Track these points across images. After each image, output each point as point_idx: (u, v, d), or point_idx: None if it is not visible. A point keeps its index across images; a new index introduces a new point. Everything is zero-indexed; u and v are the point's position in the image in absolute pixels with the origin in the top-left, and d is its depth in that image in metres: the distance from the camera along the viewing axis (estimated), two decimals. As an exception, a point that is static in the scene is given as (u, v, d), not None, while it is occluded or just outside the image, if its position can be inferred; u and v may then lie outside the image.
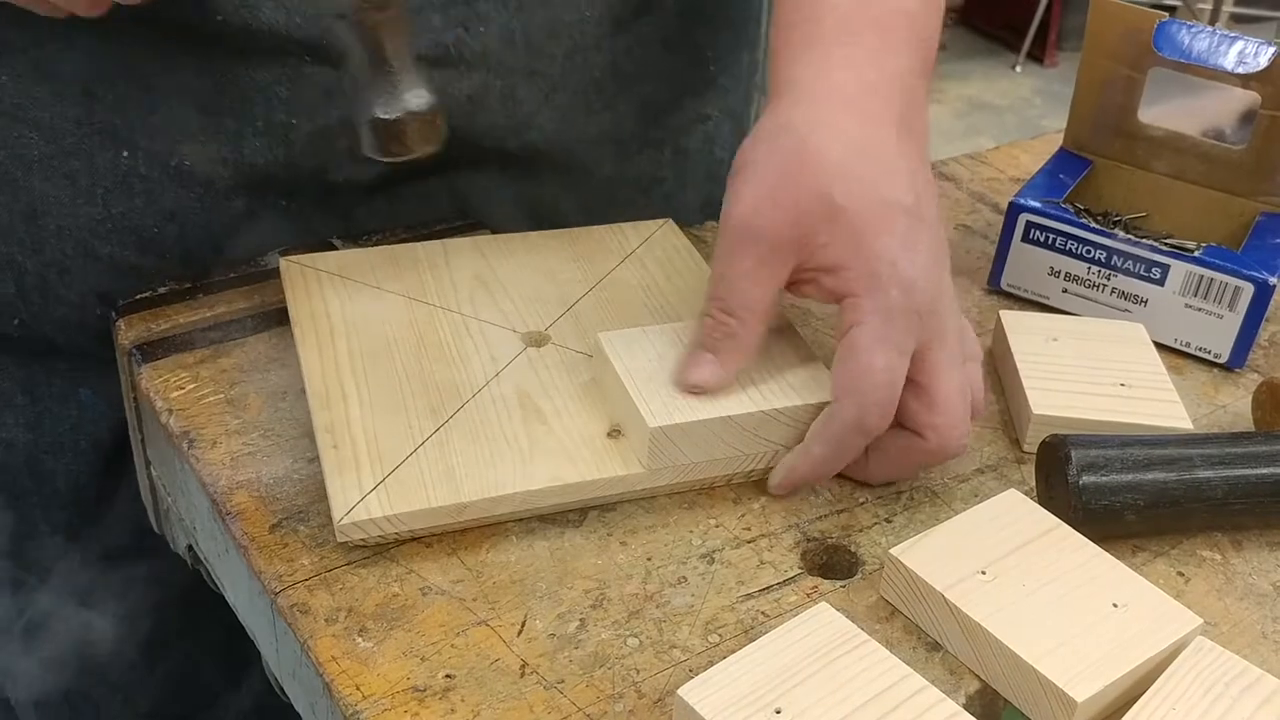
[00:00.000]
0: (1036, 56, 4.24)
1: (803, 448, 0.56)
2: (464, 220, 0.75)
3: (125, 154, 0.66)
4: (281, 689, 0.56)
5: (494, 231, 0.73)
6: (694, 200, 0.84)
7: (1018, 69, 4.22)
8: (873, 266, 0.53)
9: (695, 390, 0.55)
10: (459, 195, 0.74)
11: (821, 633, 0.47)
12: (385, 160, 0.54)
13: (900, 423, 0.55)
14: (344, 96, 0.63)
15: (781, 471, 0.56)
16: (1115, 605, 0.49)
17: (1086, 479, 0.54)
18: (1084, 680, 0.46)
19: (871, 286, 0.53)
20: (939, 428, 0.54)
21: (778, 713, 0.43)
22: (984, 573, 0.50)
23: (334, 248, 0.70)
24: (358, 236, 0.72)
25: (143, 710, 0.79)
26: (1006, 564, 0.51)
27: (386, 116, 0.51)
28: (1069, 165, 0.78)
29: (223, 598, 0.70)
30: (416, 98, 0.52)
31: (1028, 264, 0.73)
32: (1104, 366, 0.64)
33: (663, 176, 0.82)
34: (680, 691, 0.44)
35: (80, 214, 0.67)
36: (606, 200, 0.78)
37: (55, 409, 0.72)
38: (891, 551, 0.51)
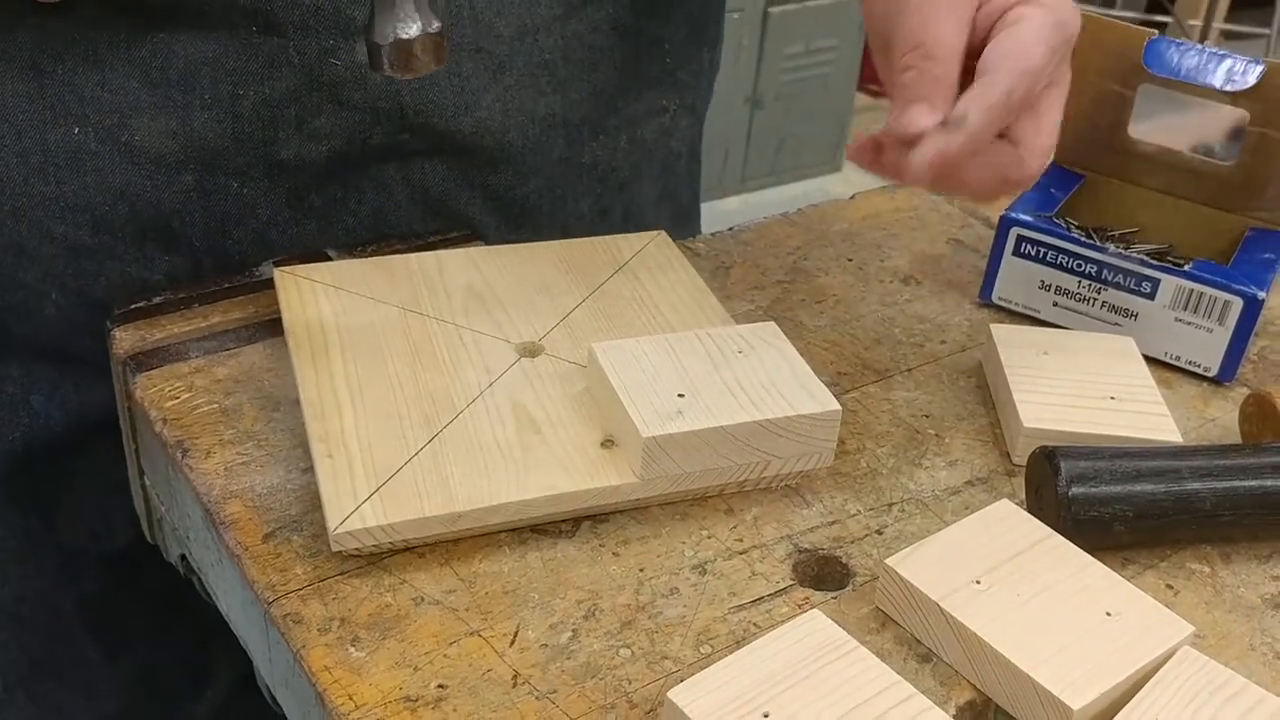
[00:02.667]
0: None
1: (954, 124, 0.56)
2: (457, 231, 0.75)
3: (76, 130, 0.66)
4: (274, 698, 0.56)
5: (486, 241, 0.73)
6: (651, 192, 0.84)
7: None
8: None
9: (918, 134, 0.57)
10: (414, 183, 0.74)
11: (812, 639, 0.47)
12: (403, 76, 0.57)
13: (1006, 135, 0.59)
14: (336, 35, 0.65)
15: (930, 151, 0.56)
16: (1108, 614, 0.49)
17: (1076, 490, 0.54)
18: (1079, 688, 0.46)
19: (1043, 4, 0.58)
20: (1038, 151, 0.59)
21: (765, 716, 0.44)
22: (978, 582, 0.50)
23: (328, 258, 0.70)
24: (352, 247, 0.72)
25: (108, 711, 0.79)
26: (1000, 574, 0.51)
27: (406, 36, 0.55)
28: (1060, 180, 0.78)
29: (186, 603, 0.70)
30: (431, 19, 0.55)
31: (1019, 278, 0.74)
32: (1094, 380, 0.64)
33: (618, 165, 0.82)
34: (670, 694, 0.44)
35: (34, 193, 0.66)
36: (562, 188, 0.78)
37: (3, 414, 0.72)
38: (887, 562, 0.51)
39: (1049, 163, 0.59)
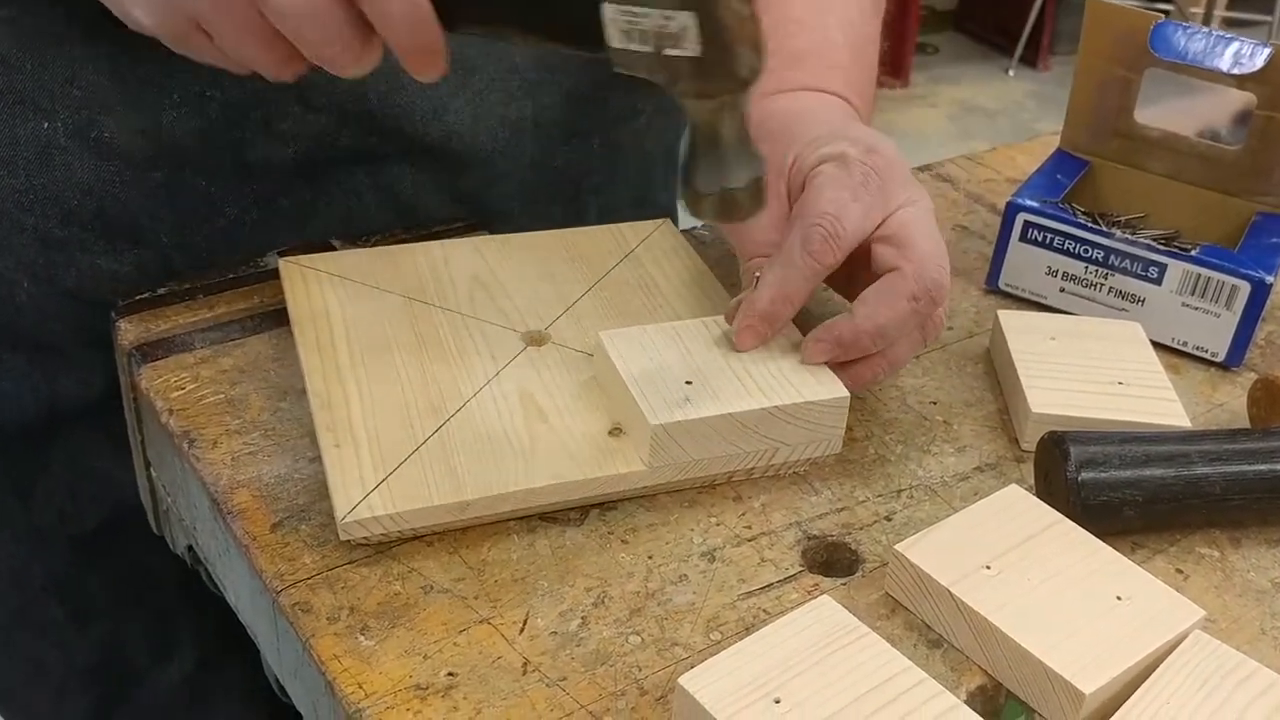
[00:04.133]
0: (1029, 61, 4.25)
1: (752, 297, 0.58)
2: (462, 221, 0.75)
3: (45, 125, 0.66)
4: (282, 688, 0.56)
5: (492, 231, 0.73)
6: (626, 196, 0.84)
7: (1011, 73, 4.23)
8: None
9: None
10: (383, 187, 0.74)
11: (822, 625, 0.47)
12: (724, 223, 0.57)
13: (878, 270, 0.58)
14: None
15: (816, 335, 0.58)
16: (1119, 598, 0.49)
17: (1085, 475, 0.54)
18: (1091, 672, 0.46)
19: (839, 150, 0.59)
20: (914, 261, 0.58)
21: (777, 702, 0.44)
22: (989, 567, 0.50)
23: (333, 248, 0.70)
24: (356, 238, 0.72)
25: (80, 665, 0.79)
26: (1010, 559, 0.51)
27: (733, 186, 0.52)
28: (1066, 166, 0.78)
29: (148, 585, 0.71)
30: (755, 167, 0.53)
31: (1025, 264, 0.74)
32: (1102, 365, 0.64)
33: (592, 169, 0.82)
34: (681, 680, 0.44)
35: (4, 185, 0.67)
36: (534, 192, 0.78)
37: None
38: (897, 548, 0.51)
39: (945, 267, 0.59)
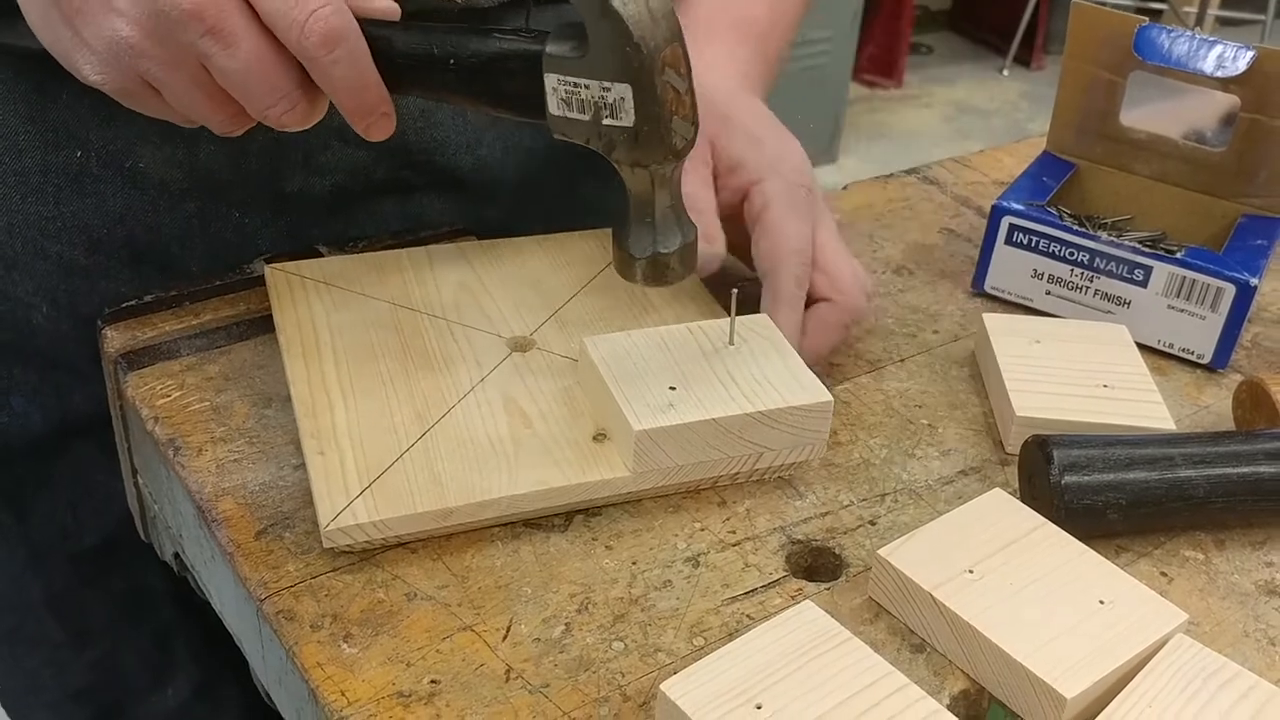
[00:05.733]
0: (1023, 60, 4.26)
1: (777, 324, 0.62)
2: (450, 227, 0.75)
3: (79, 154, 0.66)
4: (268, 695, 0.56)
5: (480, 238, 0.73)
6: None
7: (1005, 73, 4.23)
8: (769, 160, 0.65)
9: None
10: (412, 217, 0.75)
11: (804, 630, 0.47)
12: (654, 287, 0.59)
13: (812, 299, 0.64)
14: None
15: None
16: (1101, 602, 0.49)
17: (1069, 478, 0.54)
18: (1073, 677, 0.46)
19: (767, 171, 0.65)
20: (846, 290, 0.65)
21: (758, 708, 0.44)
22: (971, 571, 0.50)
23: (319, 254, 0.70)
24: (343, 244, 0.72)
25: (76, 687, 0.79)
26: (993, 563, 0.51)
27: (665, 250, 0.55)
28: (1052, 168, 0.78)
29: (145, 607, 0.70)
30: (685, 233, 0.56)
31: (1011, 267, 0.74)
32: (1087, 368, 0.64)
33: (612, 203, 0.82)
34: (663, 686, 0.44)
35: (31, 211, 0.67)
36: (557, 220, 0.79)
37: None
38: (879, 552, 0.51)
39: (865, 282, 0.66)
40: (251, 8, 0.50)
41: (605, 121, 0.51)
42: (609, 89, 0.50)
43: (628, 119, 0.51)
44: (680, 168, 0.54)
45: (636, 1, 0.49)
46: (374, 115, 0.54)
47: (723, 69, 0.70)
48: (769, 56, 0.75)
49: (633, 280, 0.55)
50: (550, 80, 0.52)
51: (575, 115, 0.52)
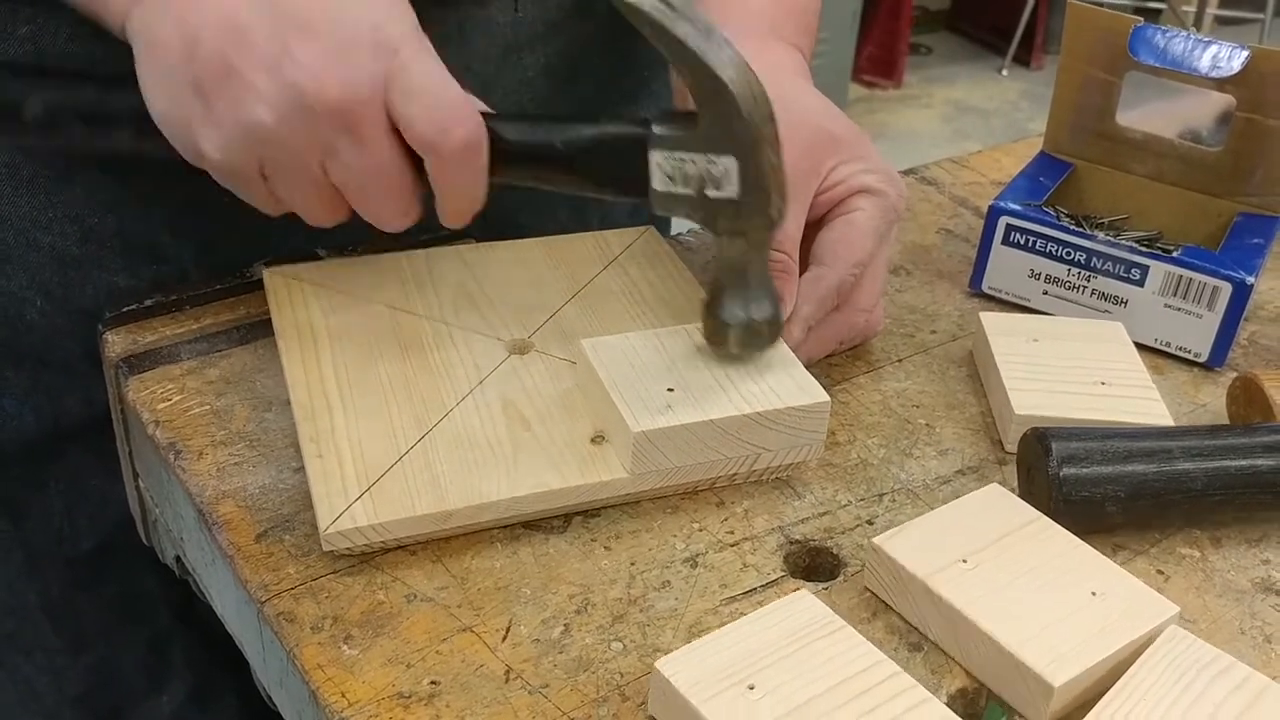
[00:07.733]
0: (1023, 60, 4.26)
1: (792, 318, 0.62)
2: (447, 230, 0.75)
3: (69, 142, 0.66)
4: (269, 697, 0.56)
5: (477, 240, 0.73)
6: (624, 205, 0.86)
7: (1004, 72, 4.24)
8: (881, 169, 0.65)
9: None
10: None
11: (799, 617, 0.48)
12: (742, 354, 0.59)
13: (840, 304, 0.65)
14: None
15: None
16: (1094, 594, 0.50)
17: (1067, 471, 0.54)
18: (1062, 665, 0.46)
19: (881, 184, 0.64)
20: (873, 312, 0.67)
21: (750, 688, 0.44)
22: (965, 561, 0.51)
23: (318, 257, 0.70)
24: (341, 246, 0.72)
25: (72, 693, 0.79)
26: (987, 554, 0.51)
27: (759, 318, 0.57)
28: (1049, 168, 0.78)
29: (141, 611, 0.70)
30: (773, 300, 0.58)
31: (1008, 267, 0.74)
32: (1085, 366, 0.65)
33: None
34: (658, 665, 0.45)
35: (21, 203, 0.67)
36: (541, 201, 0.79)
37: None
38: (874, 541, 0.52)
39: (880, 313, 0.68)
40: (389, 112, 0.51)
41: (709, 193, 0.54)
42: (714, 162, 0.54)
43: (731, 190, 0.54)
44: (773, 237, 0.57)
45: (744, 82, 0.52)
46: (471, 213, 0.56)
47: (791, 66, 0.69)
48: (813, 35, 0.76)
49: (723, 347, 0.58)
50: (655, 157, 0.55)
51: (679, 190, 0.55)
